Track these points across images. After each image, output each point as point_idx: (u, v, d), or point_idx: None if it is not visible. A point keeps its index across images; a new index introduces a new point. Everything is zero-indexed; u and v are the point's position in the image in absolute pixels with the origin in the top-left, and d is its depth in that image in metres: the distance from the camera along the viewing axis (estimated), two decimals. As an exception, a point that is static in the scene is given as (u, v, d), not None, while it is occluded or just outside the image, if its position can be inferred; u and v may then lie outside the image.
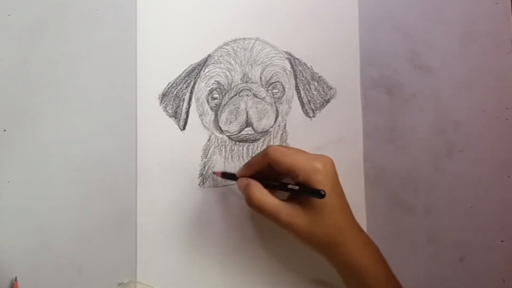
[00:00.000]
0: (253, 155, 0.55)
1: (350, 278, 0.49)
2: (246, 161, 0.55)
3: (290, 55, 0.56)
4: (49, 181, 0.53)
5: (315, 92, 0.57)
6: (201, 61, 0.55)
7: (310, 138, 0.56)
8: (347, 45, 0.57)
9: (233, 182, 0.53)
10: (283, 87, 0.56)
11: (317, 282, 0.55)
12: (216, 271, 0.54)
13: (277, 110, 0.56)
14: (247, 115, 0.55)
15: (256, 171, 0.51)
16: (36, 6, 0.54)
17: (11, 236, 0.52)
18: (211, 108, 0.55)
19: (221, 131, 0.55)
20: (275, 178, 0.50)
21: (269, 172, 0.50)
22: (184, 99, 0.55)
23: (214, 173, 0.55)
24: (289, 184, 0.49)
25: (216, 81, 0.55)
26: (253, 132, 0.56)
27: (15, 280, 0.51)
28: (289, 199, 0.49)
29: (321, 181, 0.47)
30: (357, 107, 0.57)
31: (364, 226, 0.54)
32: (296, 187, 0.48)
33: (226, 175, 0.54)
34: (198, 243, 0.54)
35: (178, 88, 0.55)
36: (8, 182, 0.52)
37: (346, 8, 0.57)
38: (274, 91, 0.56)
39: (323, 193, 0.47)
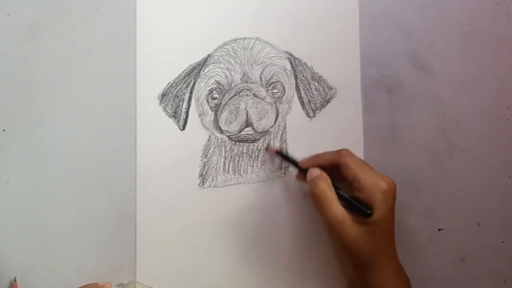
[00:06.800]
0: (253, 155, 0.55)
1: None
2: (246, 161, 0.55)
3: (290, 54, 0.56)
4: (48, 182, 0.52)
5: (315, 92, 0.56)
6: (201, 60, 0.55)
7: (310, 138, 0.56)
8: (348, 45, 0.57)
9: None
10: (283, 87, 0.56)
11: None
12: (216, 271, 0.54)
13: (277, 110, 0.56)
14: (247, 115, 0.55)
15: (321, 166, 0.51)
16: (36, 6, 0.54)
17: (11, 236, 0.52)
18: (211, 108, 0.55)
19: (221, 131, 0.55)
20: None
21: (330, 175, 0.50)
22: (183, 99, 0.55)
23: (267, 149, 0.55)
24: (340, 191, 0.49)
25: (216, 81, 0.55)
26: (253, 132, 0.55)
27: (15, 280, 0.51)
28: (346, 209, 0.49)
29: (382, 201, 0.47)
30: (358, 107, 0.57)
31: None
32: (346, 195, 0.48)
33: (283, 156, 0.54)
34: (197, 244, 0.54)
35: (178, 88, 0.55)
36: (8, 182, 0.52)
37: (346, 7, 0.57)
38: (274, 91, 0.56)
39: (369, 212, 0.47)
